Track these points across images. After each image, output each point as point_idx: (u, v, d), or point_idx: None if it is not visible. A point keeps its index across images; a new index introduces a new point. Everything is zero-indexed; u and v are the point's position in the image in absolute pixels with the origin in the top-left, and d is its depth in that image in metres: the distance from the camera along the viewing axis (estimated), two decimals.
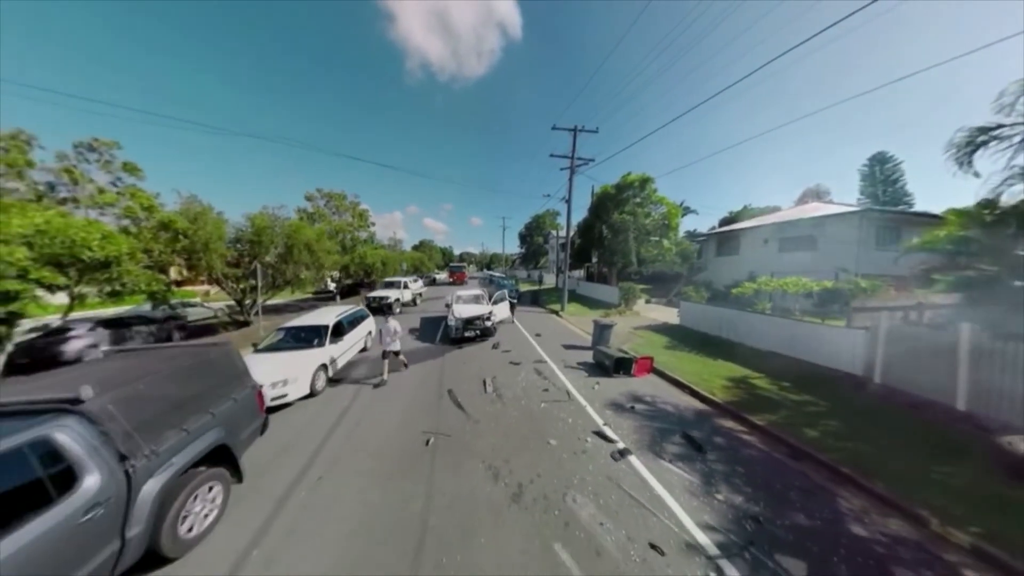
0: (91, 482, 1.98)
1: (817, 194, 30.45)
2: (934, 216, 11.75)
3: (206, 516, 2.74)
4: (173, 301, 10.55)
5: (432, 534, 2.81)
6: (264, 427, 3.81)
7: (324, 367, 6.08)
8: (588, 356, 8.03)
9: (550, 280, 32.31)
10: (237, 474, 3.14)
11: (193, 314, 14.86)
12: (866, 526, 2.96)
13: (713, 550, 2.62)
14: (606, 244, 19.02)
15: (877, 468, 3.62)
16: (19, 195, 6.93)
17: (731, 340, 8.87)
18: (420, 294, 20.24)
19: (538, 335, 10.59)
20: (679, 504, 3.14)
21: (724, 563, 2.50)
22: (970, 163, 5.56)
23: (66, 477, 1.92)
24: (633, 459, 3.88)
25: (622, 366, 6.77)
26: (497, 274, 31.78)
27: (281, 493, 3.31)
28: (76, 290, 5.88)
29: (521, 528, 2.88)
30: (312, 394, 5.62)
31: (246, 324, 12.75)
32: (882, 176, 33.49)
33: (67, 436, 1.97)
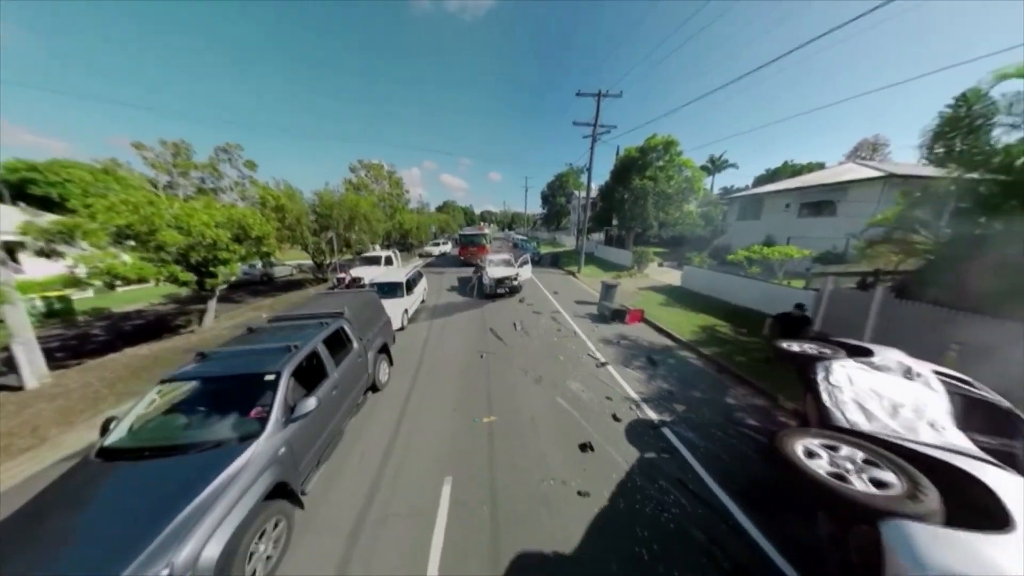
0: (355, 345, 4.68)
1: (874, 147, 27.38)
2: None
3: (385, 375, 5.59)
4: (274, 261, 13.90)
5: (494, 393, 5.47)
6: (393, 340, 6.61)
7: (405, 311, 8.87)
8: (595, 309, 10.28)
9: (569, 242, 33.45)
10: (391, 361, 5.96)
11: (277, 272, 18.58)
12: (735, 399, 5.25)
13: (638, 399, 5.09)
14: (626, 209, 19.86)
15: (769, 377, 5.73)
16: (185, 189, 9.80)
17: (716, 297, 10.64)
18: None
19: (556, 293, 12.89)
20: (628, 385, 5.58)
21: (643, 404, 4.96)
22: (931, 150, 6.52)
23: (348, 342, 4.61)
24: (609, 367, 6.31)
25: (617, 316, 9.01)
26: (520, 237, 33.27)
27: (414, 368, 6.17)
28: (243, 252, 8.84)
29: (540, 392, 5.46)
30: (402, 328, 8.49)
31: (324, 280, 16.21)
32: (967, 122, 28.81)
33: (346, 325, 4.63)
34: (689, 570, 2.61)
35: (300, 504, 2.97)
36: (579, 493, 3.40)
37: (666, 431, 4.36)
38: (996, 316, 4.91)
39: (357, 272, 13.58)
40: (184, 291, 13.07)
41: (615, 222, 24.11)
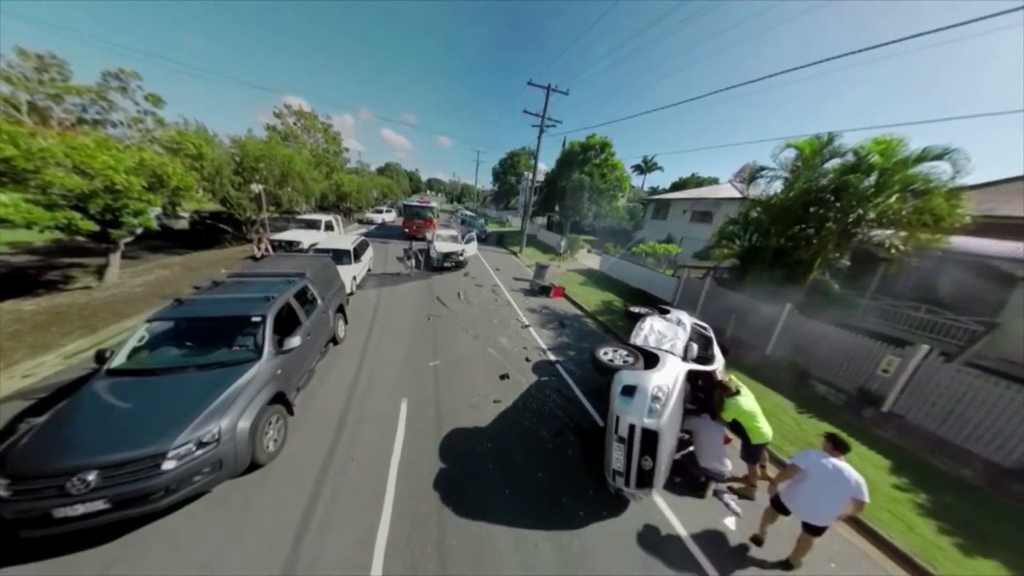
0: (320, 303, 5.50)
1: (752, 170, 34.67)
2: None
3: (343, 331, 6.47)
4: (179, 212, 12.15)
5: (439, 345, 6.87)
6: (347, 301, 7.35)
7: (353, 278, 9.38)
8: (528, 285, 12.20)
9: (516, 222, 35.09)
10: (346, 320, 6.80)
11: (179, 224, 15.93)
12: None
13: (546, 348, 7.11)
14: (566, 198, 22.13)
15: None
16: (57, 116, 8.07)
17: (621, 280, 13.61)
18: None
19: (497, 269, 14.49)
20: (542, 340, 7.59)
21: (548, 351, 7.00)
22: (747, 187, 9.69)
23: (313, 299, 5.41)
24: (531, 328, 8.25)
25: (544, 291, 11.08)
26: (468, 213, 33.38)
27: (368, 328, 7.12)
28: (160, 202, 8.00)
29: (476, 345, 7.06)
30: (351, 293, 9.06)
31: (246, 240, 14.72)
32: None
33: (309, 285, 5.38)
34: (550, 427, 4.62)
35: (291, 412, 4.02)
36: (494, 401, 5.16)
37: (558, 366, 6.44)
38: (752, 297, 8.17)
39: (292, 235, 13.00)
40: (41, 239, 10.71)
41: (557, 208, 26.52)
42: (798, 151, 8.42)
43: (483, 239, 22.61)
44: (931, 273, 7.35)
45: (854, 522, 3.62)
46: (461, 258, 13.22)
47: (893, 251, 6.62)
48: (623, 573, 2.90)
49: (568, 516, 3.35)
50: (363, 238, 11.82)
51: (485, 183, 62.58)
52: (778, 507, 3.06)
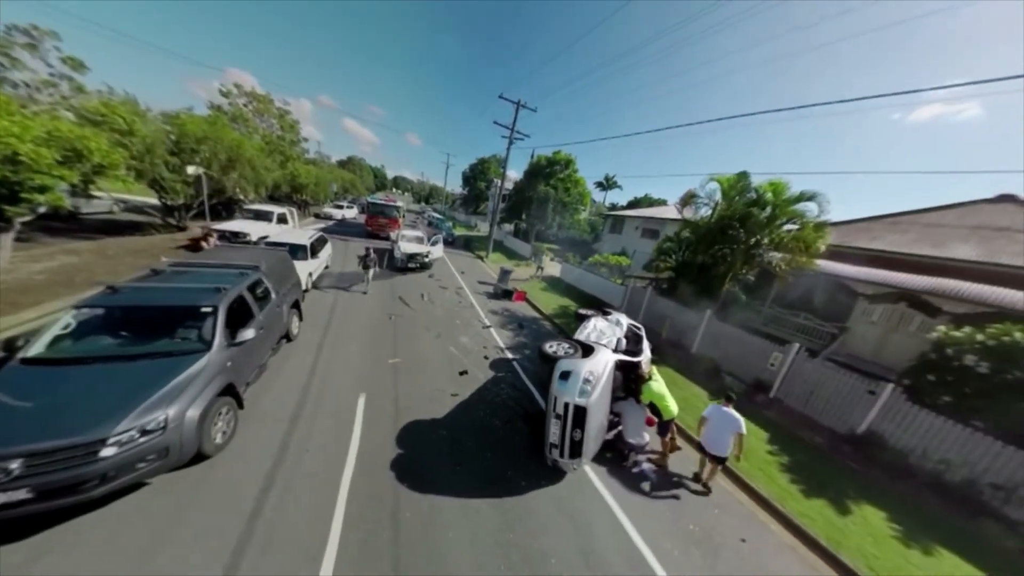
0: (273, 297, 5.40)
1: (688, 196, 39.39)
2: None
3: (296, 328, 6.32)
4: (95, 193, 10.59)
5: (400, 344, 7.01)
6: (302, 298, 7.15)
7: (309, 274, 9.05)
8: (491, 288, 12.68)
9: (484, 227, 35.53)
10: (300, 317, 6.63)
11: (91, 206, 13.80)
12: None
13: (504, 347, 7.61)
14: (532, 208, 23.22)
15: None
16: None
17: (578, 288, 14.74)
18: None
19: (463, 272, 14.77)
20: (501, 339, 8.08)
21: (506, 350, 7.51)
22: (682, 210, 11.29)
23: (267, 293, 5.30)
24: (491, 329, 8.71)
25: (507, 294, 11.64)
26: (436, 216, 33.00)
27: (324, 326, 6.99)
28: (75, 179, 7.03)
29: (438, 344, 7.32)
30: (306, 290, 8.72)
31: (180, 228, 13.20)
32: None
33: (263, 278, 5.27)
34: (502, 416, 5.09)
35: (241, 405, 3.97)
36: (452, 395, 5.50)
37: (514, 363, 6.98)
38: (681, 305, 9.55)
39: (239, 226, 12.01)
40: None
41: (524, 217, 27.55)
42: (719, 184, 10.09)
43: (450, 242, 22.67)
44: (809, 288, 9.32)
45: (734, 477, 4.62)
46: (426, 260, 13.28)
47: (779, 269, 8.33)
48: (556, 527, 3.44)
49: (511, 487, 3.83)
50: (321, 234, 11.39)
51: (455, 186, 62.30)
52: (702, 451, 4.29)
